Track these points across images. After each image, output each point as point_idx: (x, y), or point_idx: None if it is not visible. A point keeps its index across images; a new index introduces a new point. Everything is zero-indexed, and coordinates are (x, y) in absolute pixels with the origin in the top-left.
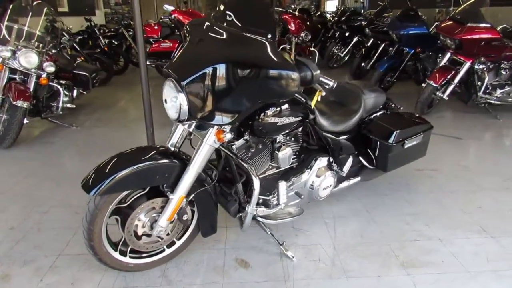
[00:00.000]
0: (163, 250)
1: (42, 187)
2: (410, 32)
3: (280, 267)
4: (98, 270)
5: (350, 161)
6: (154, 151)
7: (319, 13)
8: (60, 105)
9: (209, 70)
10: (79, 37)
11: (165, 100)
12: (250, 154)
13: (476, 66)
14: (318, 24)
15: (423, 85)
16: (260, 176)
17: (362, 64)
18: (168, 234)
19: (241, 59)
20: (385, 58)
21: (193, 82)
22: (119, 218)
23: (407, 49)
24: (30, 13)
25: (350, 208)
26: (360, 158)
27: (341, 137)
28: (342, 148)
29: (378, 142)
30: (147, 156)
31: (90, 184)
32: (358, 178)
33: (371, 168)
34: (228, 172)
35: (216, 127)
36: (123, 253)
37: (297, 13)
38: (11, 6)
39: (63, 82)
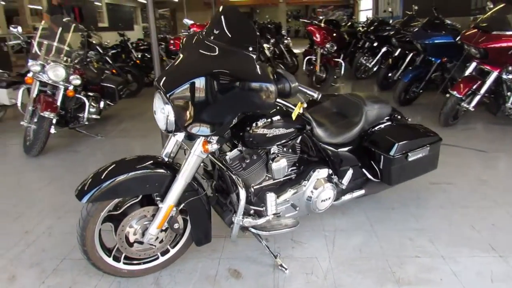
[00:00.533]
0: (157, 258)
1: (61, 193)
2: (435, 41)
3: (271, 279)
4: (96, 275)
5: (350, 173)
6: (147, 161)
7: (349, 23)
8: (86, 116)
9: (192, 83)
10: (113, 51)
11: (155, 111)
12: (244, 165)
13: (504, 76)
14: (347, 35)
15: (447, 95)
16: (256, 187)
17: (389, 75)
18: (161, 242)
19: (221, 72)
20: (410, 68)
21: (179, 94)
22: (112, 224)
23: (433, 59)
24: (60, 30)
25: (354, 221)
26: (364, 170)
27: (341, 149)
28: (342, 160)
29: (381, 155)
30: (139, 165)
31: (82, 191)
32: (362, 191)
33: (375, 181)
34: (224, 182)
35: (202, 138)
36: (117, 259)
37: (322, 24)
38: (42, 23)
39: (90, 94)
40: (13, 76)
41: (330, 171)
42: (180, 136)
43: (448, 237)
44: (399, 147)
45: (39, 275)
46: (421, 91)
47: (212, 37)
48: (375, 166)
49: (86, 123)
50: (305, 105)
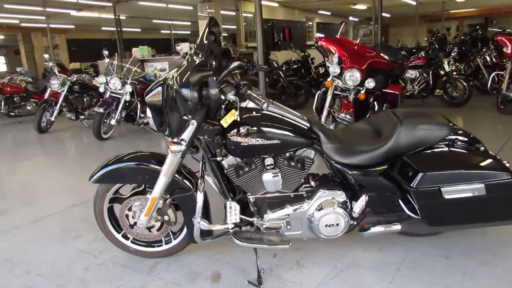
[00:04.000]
0: (161, 245)
1: None
2: None
3: None
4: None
5: (363, 201)
6: (150, 156)
7: None
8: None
9: (156, 89)
10: (295, 66)
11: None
12: (240, 173)
13: None
14: None
15: None
16: (252, 197)
17: None
18: (158, 230)
19: (171, 80)
20: None
21: (149, 98)
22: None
23: None
24: None
25: (383, 260)
26: (400, 201)
27: (365, 171)
28: (357, 185)
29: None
30: (137, 158)
31: (93, 173)
32: (399, 227)
33: (415, 217)
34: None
35: (169, 138)
36: (126, 237)
37: None
38: None
39: None
40: None
41: (342, 195)
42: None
43: None
44: (425, 177)
45: (79, 242)
46: None
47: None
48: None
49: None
50: (237, 113)
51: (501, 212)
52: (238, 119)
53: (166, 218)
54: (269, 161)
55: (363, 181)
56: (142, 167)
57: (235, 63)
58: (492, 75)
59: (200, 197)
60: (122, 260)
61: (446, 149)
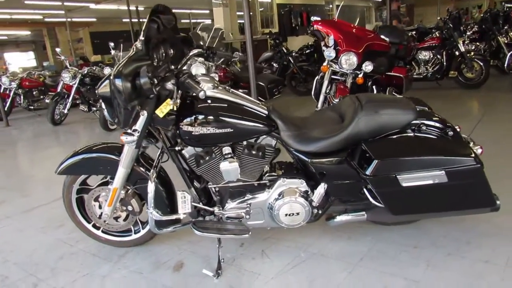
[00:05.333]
0: (131, 235)
1: None
2: None
3: (199, 282)
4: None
5: (321, 189)
6: (111, 148)
7: None
8: None
9: (106, 81)
10: (308, 51)
11: None
12: (201, 162)
13: None
14: None
15: None
16: (213, 187)
17: None
18: (125, 220)
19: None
20: None
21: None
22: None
23: None
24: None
25: (347, 250)
26: (364, 190)
27: (325, 159)
28: (318, 173)
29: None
30: (98, 150)
31: (59, 164)
32: (364, 215)
33: (379, 206)
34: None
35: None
36: (96, 227)
37: None
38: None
39: (240, 90)
40: None
41: (303, 183)
42: None
43: None
44: (380, 165)
45: None
46: None
47: None
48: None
49: None
50: (171, 102)
51: (467, 200)
52: (175, 108)
53: (130, 208)
54: (227, 150)
55: (323, 169)
56: (104, 158)
57: (194, 51)
58: (510, 54)
59: (151, 187)
60: (94, 250)
61: (411, 134)
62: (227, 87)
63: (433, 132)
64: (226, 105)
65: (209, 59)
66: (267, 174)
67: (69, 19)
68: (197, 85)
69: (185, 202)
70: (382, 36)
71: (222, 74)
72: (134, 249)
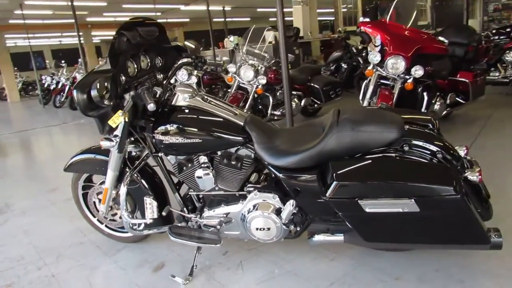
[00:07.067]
0: (127, 232)
1: None
2: None
3: (166, 285)
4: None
5: (289, 206)
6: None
7: None
8: (269, 111)
9: None
10: None
11: None
12: (183, 169)
13: None
14: None
15: None
16: (193, 193)
17: None
18: (121, 218)
19: None
20: None
21: None
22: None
23: None
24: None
25: (323, 272)
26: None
27: (296, 175)
28: (292, 190)
29: None
30: (96, 150)
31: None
32: (341, 237)
33: (353, 229)
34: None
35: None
36: (101, 222)
37: None
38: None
39: (294, 92)
40: None
41: (275, 198)
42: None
43: None
44: (339, 187)
45: None
46: None
47: None
48: None
49: (269, 117)
50: (121, 114)
51: (451, 234)
52: (126, 119)
53: None
54: (202, 159)
55: (296, 186)
56: (100, 159)
57: (183, 60)
58: None
59: (123, 190)
60: (100, 242)
61: (392, 155)
62: (206, 96)
63: (420, 153)
64: (196, 116)
65: (197, 68)
66: (248, 185)
67: (164, 20)
68: (150, 98)
69: (151, 209)
70: (441, 38)
71: (272, 76)
72: (131, 245)
